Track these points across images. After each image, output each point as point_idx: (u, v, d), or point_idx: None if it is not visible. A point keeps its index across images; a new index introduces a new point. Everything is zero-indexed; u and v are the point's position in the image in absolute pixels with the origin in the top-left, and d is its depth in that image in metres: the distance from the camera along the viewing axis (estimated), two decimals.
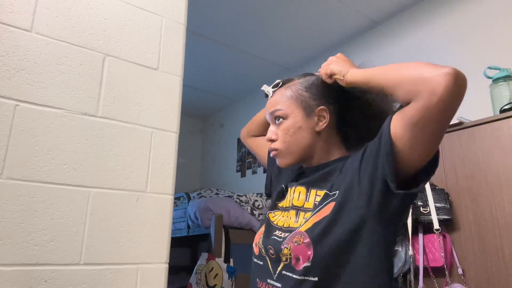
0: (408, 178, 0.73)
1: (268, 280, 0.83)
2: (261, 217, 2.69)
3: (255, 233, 2.79)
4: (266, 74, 3.77)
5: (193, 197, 3.02)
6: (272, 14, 2.82)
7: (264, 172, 3.80)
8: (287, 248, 0.78)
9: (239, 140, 4.33)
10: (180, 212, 2.88)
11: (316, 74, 0.94)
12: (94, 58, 1.23)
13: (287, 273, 0.78)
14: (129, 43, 1.32)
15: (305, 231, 0.77)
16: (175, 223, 2.88)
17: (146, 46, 1.35)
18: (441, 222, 1.65)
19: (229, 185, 4.19)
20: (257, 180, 3.89)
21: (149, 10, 1.39)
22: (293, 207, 0.87)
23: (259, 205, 2.78)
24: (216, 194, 3.35)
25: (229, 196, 2.82)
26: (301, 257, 0.76)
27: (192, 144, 4.90)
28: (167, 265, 1.25)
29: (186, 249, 3.75)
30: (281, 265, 0.80)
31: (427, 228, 1.69)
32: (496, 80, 1.78)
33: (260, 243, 0.87)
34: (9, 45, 1.09)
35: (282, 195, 0.96)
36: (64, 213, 1.09)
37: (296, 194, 0.88)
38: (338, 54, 0.90)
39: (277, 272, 0.80)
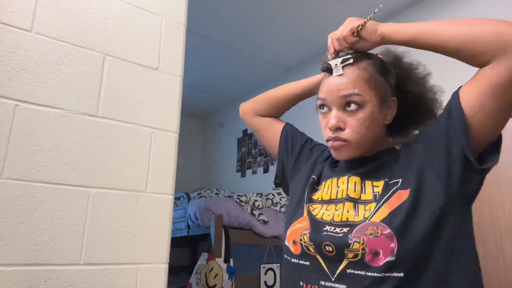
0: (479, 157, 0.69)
1: (323, 283, 0.71)
2: (261, 217, 2.69)
3: (255, 233, 2.79)
4: (266, 74, 3.77)
5: (193, 197, 3.02)
6: (271, 14, 2.82)
7: (265, 172, 3.81)
8: (358, 242, 0.67)
9: (239, 140, 4.33)
10: (180, 212, 2.88)
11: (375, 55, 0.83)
12: (94, 58, 1.23)
13: (357, 272, 0.67)
14: (129, 43, 1.32)
15: (381, 221, 0.68)
16: (175, 223, 2.88)
17: (146, 46, 1.36)
18: None
19: (229, 185, 4.20)
20: (257, 180, 3.89)
21: (149, 10, 1.39)
22: (350, 199, 0.77)
23: (259, 205, 2.78)
24: (216, 194, 3.36)
25: (229, 196, 2.82)
26: (381, 251, 0.65)
27: (192, 144, 4.90)
28: (167, 265, 1.25)
29: (186, 249, 3.75)
30: (345, 263, 0.69)
31: None
32: None
33: (307, 240, 0.75)
34: (9, 45, 1.09)
35: (313, 187, 0.86)
36: (64, 213, 1.09)
37: (351, 185, 0.78)
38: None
39: (338, 271, 0.69)
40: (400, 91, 0.83)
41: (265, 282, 2.55)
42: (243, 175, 4.13)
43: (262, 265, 2.57)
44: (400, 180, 0.74)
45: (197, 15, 2.81)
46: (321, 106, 0.81)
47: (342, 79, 0.78)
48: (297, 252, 0.77)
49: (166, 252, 1.26)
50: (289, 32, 3.04)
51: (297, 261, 0.77)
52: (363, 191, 0.77)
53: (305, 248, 0.75)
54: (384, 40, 0.77)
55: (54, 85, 1.15)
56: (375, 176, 0.78)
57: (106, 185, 1.18)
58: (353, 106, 0.76)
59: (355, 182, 0.78)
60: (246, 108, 1.10)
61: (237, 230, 2.58)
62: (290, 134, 1.02)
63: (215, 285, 2.29)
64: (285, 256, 0.80)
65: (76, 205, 1.12)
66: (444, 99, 0.85)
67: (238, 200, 2.71)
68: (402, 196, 0.71)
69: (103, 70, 1.25)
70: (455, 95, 0.70)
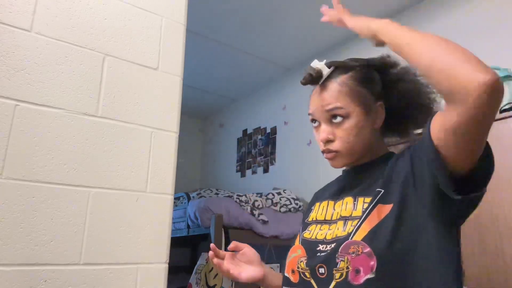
0: (468, 179, 0.67)
1: None
2: (261, 217, 2.69)
3: (255, 233, 2.79)
4: (266, 74, 3.77)
5: (193, 197, 3.02)
6: (272, 14, 2.82)
7: (265, 172, 3.81)
8: (343, 261, 0.70)
9: (239, 140, 4.33)
10: (180, 212, 2.88)
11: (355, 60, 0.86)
12: (94, 58, 1.23)
13: None
14: (129, 43, 1.32)
15: (362, 240, 0.70)
16: (175, 223, 2.88)
17: (146, 46, 1.35)
18: None
19: (229, 185, 4.19)
20: (257, 180, 3.89)
21: (149, 10, 1.39)
22: (341, 218, 0.80)
23: (259, 205, 2.78)
24: (216, 194, 3.35)
25: (229, 196, 2.82)
26: (362, 269, 0.68)
27: (192, 144, 4.90)
28: (167, 265, 1.25)
29: (186, 249, 3.75)
30: (333, 284, 0.71)
31: None
32: None
33: (303, 266, 0.78)
34: (9, 45, 1.09)
35: (308, 211, 0.92)
36: (64, 213, 1.09)
37: (344, 206, 0.82)
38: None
39: None
40: (392, 93, 0.85)
41: None
42: (243, 175, 4.13)
43: None
44: (382, 191, 0.75)
45: (197, 15, 2.80)
46: (312, 120, 0.86)
47: (325, 95, 0.82)
48: (296, 280, 0.79)
49: (166, 252, 1.26)
50: (289, 32, 3.04)
51: None
52: (355, 208, 0.79)
53: (302, 275, 0.78)
54: (375, 37, 0.77)
55: (54, 85, 1.15)
56: (367, 192, 0.80)
57: (106, 185, 1.18)
58: (338, 118, 0.80)
59: (347, 202, 0.82)
60: None
61: (237, 230, 2.58)
62: None
63: (215, 285, 2.29)
64: (284, 287, 0.83)
65: (76, 205, 1.12)
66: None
67: (238, 200, 2.71)
68: (382, 211, 0.73)
69: (103, 70, 1.25)
70: (428, 123, 0.69)
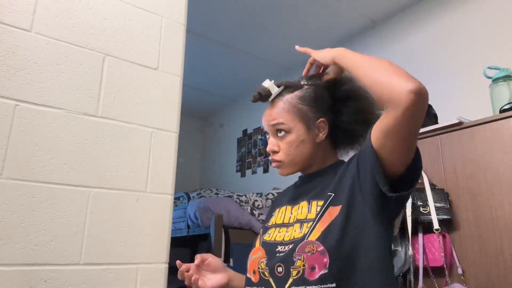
0: (399, 180, 0.78)
1: None
2: (261, 217, 2.69)
3: (255, 233, 2.80)
4: (266, 74, 3.76)
5: (193, 197, 3.02)
6: (272, 14, 2.82)
7: (265, 172, 3.81)
8: (300, 259, 0.79)
9: (239, 140, 4.33)
10: (180, 212, 2.88)
11: (305, 81, 0.97)
12: (94, 58, 1.23)
13: (298, 287, 0.78)
14: (129, 43, 1.32)
15: (317, 239, 0.79)
16: (175, 223, 2.88)
17: (146, 46, 1.36)
18: (440, 222, 1.65)
19: (229, 185, 4.19)
20: (257, 180, 3.89)
21: (149, 10, 1.39)
22: (298, 220, 0.88)
23: (259, 205, 2.78)
24: (216, 194, 3.35)
25: (229, 196, 2.82)
26: (317, 266, 0.76)
27: (192, 144, 4.90)
28: (167, 265, 1.25)
29: (186, 249, 3.75)
30: (290, 281, 0.79)
31: (427, 228, 1.69)
32: (495, 80, 1.78)
33: (263, 266, 0.86)
34: (9, 45, 1.09)
35: (269, 216, 1.00)
36: (64, 213, 1.09)
37: (300, 209, 0.90)
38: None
39: None
40: (342, 110, 0.95)
41: None
42: (243, 175, 4.13)
43: None
44: (333, 194, 0.85)
45: (197, 15, 2.80)
46: (265, 133, 0.97)
47: (272, 111, 0.94)
48: (256, 280, 0.87)
49: (166, 252, 1.26)
50: (289, 32, 3.04)
51: None
52: (309, 211, 0.87)
53: (262, 275, 0.85)
54: (334, 63, 0.90)
55: (54, 85, 1.15)
56: (319, 196, 0.88)
57: (106, 185, 1.18)
58: (282, 133, 0.92)
59: (302, 206, 0.90)
60: None
61: (237, 230, 2.58)
62: None
63: None
64: (246, 287, 0.90)
65: (76, 205, 1.12)
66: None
67: (238, 200, 2.71)
68: (333, 212, 0.82)
69: (103, 70, 1.25)
70: (370, 130, 0.80)
